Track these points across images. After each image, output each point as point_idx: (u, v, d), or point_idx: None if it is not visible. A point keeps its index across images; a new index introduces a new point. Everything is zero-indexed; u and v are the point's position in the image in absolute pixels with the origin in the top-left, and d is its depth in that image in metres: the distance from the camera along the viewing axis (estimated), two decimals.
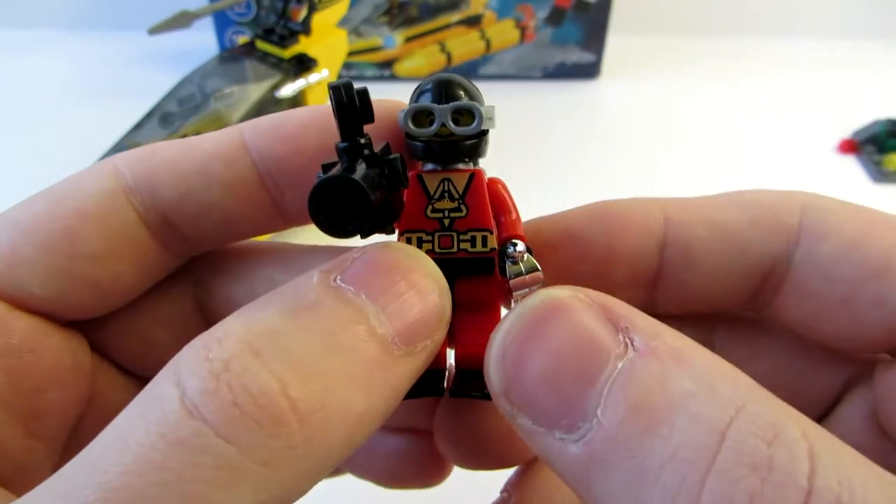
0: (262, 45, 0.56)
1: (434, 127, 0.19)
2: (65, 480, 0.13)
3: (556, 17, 0.74)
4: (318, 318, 0.15)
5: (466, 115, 0.19)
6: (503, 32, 0.75)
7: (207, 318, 0.23)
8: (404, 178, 0.18)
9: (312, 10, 0.53)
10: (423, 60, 0.75)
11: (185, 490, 0.12)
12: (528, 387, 0.15)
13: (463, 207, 0.20)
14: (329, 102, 0.17)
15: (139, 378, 0.23)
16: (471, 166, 0.20)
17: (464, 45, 0.75)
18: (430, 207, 0.20)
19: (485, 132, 0.20)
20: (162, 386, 0.14)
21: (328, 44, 0.56)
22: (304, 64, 0.54)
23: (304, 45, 0.55)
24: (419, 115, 0.19)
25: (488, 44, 0.75)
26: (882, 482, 0.12)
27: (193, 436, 0.13)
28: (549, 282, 0.21)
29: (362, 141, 0.17)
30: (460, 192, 0.20)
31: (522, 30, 0.75)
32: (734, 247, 0.20)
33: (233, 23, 0.71)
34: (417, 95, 0.20)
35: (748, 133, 0.70)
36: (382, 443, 0.25)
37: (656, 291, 0.22)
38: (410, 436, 0.25)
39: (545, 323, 0.15)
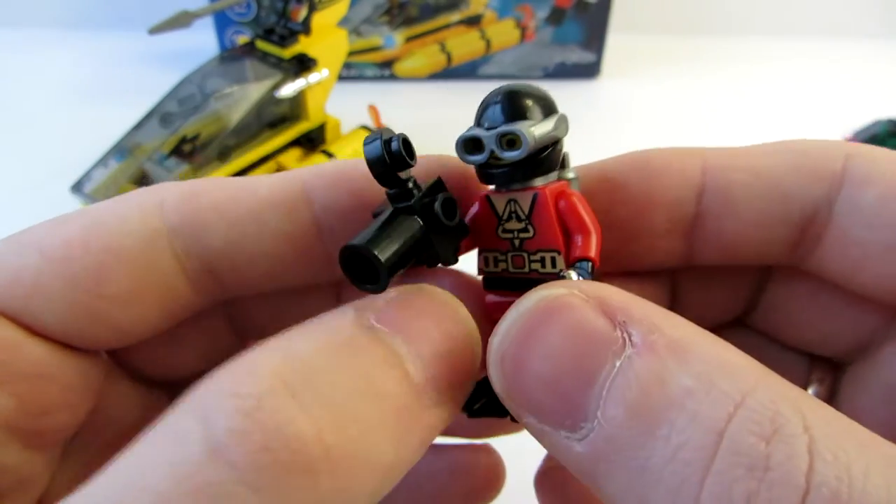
0: (262, 45, 0.56)
1: (484, 155, 0.18)
2: None
3: (556, 16, 0.74)
4: (356, 359, 0.14)
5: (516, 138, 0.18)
6: (503, 32, 0.75)
7: (234, 324, 0.22)
8: (446, 217, 0.18)
9: (312, 10, 0.53)
10: (423, 60, 0.75)
11: None
12: (528, 389, 0.15)
13: (530, 228, 0.19)
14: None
15: (146, 379, 0.22)
16: (550, 179, 0.19)
17: (464, 45, 0.75)
18: (500, 228, 0.20)
19: (551, 146, 0.19)
20: (184, 422, 0.13)
21: (328, 44, 0.56)
22: (304, 64, 0.54)
23: (304, 45, 0.55)
24: (468, 144, 0.19)
25: (488, 44, 0.75)
26: (886, 468, 0.12)
27: (217, 483, 0.12)
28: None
29: (409, 185, 0.18)
30: (526, 212, 0.19)
31: (522, 30, 0.75)
32: (775, 193, 0.20)
33: (233, 23, 0.71)
34: (481, 111, 0.19)
35: (748, 133, 0.70)
36: (440, 462, 0.24)
37: (695, 239, 0.21)
38: (467, 449, 0.24)
39: (541, 324, 0.15)
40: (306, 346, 0.14)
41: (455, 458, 0.24)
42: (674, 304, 0.25)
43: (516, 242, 0.20)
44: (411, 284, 0.17)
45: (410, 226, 0.18)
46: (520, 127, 0.18)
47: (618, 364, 0.14)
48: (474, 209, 0.20)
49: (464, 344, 0.16)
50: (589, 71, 0.78)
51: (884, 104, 0.72)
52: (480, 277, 0.21)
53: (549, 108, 0.19)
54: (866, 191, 0.19)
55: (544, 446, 0.15)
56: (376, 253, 0.16)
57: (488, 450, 0.25)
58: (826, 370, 0.24)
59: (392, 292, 0.16)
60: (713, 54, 0.84)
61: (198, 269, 0.19)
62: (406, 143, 0.18)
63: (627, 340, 0.14)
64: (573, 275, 0.18)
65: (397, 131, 0.18)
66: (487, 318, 0.20)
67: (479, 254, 0.21)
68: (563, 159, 0.20)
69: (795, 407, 0.13)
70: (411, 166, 0.18)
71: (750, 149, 0.20)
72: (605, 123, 0.70)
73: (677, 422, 0.13)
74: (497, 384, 0.16)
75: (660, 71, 0.80)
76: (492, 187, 0.20)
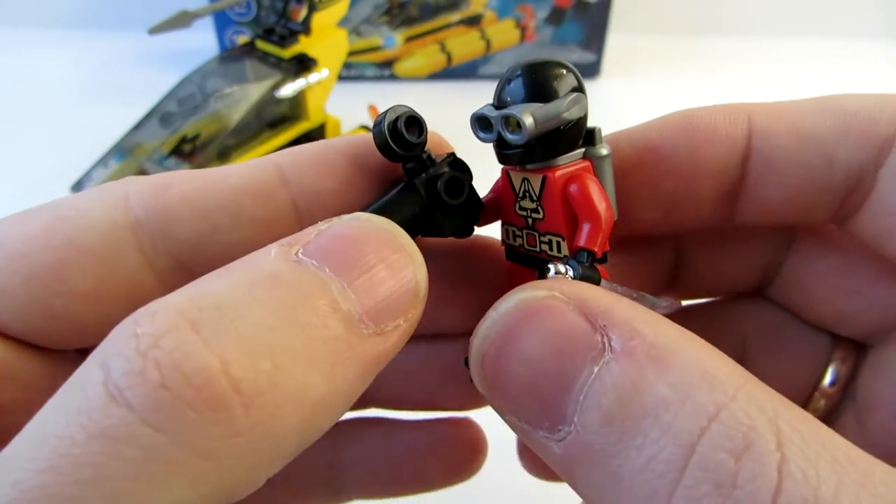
0: (262, 45, 0.56)
1: (492, 135, 0.18)
2: None
3: (556, 16, 0.74)
4: (274, 291, 0.14)
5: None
6: (503, 32, 0.75)
7: None
8: (450, 196, 0.18)
9: (312, 10, 0.53)
10: (423, 60, 0.75)
11: (109, 487, 0.11)
12: (508, 390, 0.15)
13: (540, 210, 0.19)
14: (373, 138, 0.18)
15: None
16: (573, 158, 0.19)
17: (464, 45, 0.75)
18: (517, 205, 0.20)
19: (567, 125, 0.18)
20: (86, 370, 0.12)
21: (328, 44, 0.56)
22: (304, 64, 0.54)
23: (304, 45, 0.55)
24: (481, 121, 0.18)
25: (488, 44, 0.75)
26: (857, 489, 0.12)
27: (117, 425, 0.11)
28: (630, 197, 0.21)
29: (423, 158, 0.18)
30: (537, 193, 0.19)
31: (522, 30, 0.75)
32: (821, 158, 0.19)
33: (233, 23, 0.71)
34: (501, 85, 0.18)
35: None
36: (419, 438, 0.24)
37: (738, 203, 0.21)
38: (445, 424, 0.24)
39: (520, 327, 0.15)
40: (220, 283, 0.14)
41: (435, 433, 0.24)
42: (678, 271, 0.24)
43: (529, 221, 0.19)
44: (346, 214, 0.16)
45: (412, 203, 0.18)
46: (520, 111, 0.17)
47: (596, 370, 0.14)
48: (498, 181, 0.20)
49: (405, 271, 0.16)
50: (589, 71, 0.78)
51: None
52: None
53: (568, 87, 0.18)
54: None
55: (525, 442, 0.15)
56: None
57: (469, 423, 0.24)
58: (849, 350, 0.23)
59: (323, 224, 0.16)
60: (713, 54, 0.84)
61: (167, 264, 0.18)
62: (412, 119, 0.18)
63: (607, 345, 0.14)
64: (562, 268, 0.17)
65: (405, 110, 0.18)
66: (509, 283, 0.21)
67: (502, 225, 0.21)
68: (593, 134, 0.19)
69: (772, 421, 0.13)
70: (415, 145, 0.18)
71: (795, 107, 0.19)
72: (605, 123, 0.70)
73: (651, 432, 0.13)
74: (478, 383, 0.16)
75: (660, 71, 0.80)
76: None
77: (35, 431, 0.12)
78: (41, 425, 0.12)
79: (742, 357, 0.25)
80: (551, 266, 0.17)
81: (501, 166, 0.20)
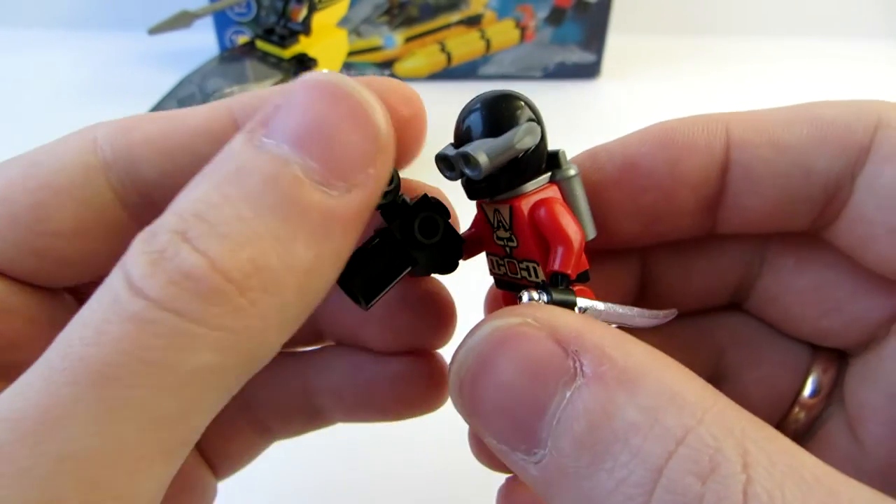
0: (262, 45, 0.56)
1: (455, 173, 0.19)
2: (42, 361, 0.13)
3: (556, 16, 0.74)
4: (241, 185, 0.15)
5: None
6: (503, 32, 0.75)
7: None
8: (426, 236, 0.19)
9: (312, 10, 0.53)
10: (423, 60, 0.75)
11: (145, 356, 0.13)
12: (485, 416, 0.16)
13: (514, 238, 0.19)
14: None
15: None
16: (540, 183, 0.19)
17: (464, 45, 0.75)
18: (494, 235, 0.20)
19: (525, 154, 0.18)
20: (111, 278, 0.14)
21: (328, 44, 0.56)
22: (304, 64, 0.54)
23: (304, 45, 0.55)
24: (444, 161, 0.19)
25: (488, 44, 0.75)
26: None
27: (143, 310, 0.13)
28: (610, 212, 0.21)
29: (398, 201, 0.19)
30: (508, 222, 0.19)
31: (522, 30, 0.75)
32: (798, 167, 0.19)
33: (233, 23, 0.71)
34: (460, 121, 0.19)
35: None
36: (382, 371, 0.24)
37: (718, 213, 0.21)
38: (409, 358, 0.24)
39: (493, 355, 0.15)
40: (200, 189, 0.15)
41: (397, 367, 0.24)
42: (646, 285, 0.24)
43: (507, 249, 0.20)
44: (306, 76, 0.17)
45: (391, 248, 0.19)
46: (474, 148, 0.18)
47: (568, 394, 0.14)
48: (476, 215, 0.21)
49: (361, 120, 0.16)
50: (589, 71, 0.78)
51: None
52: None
53: (523, 118, 0.18)
54: (885, 169, 0.18)
55: (505, 463, 0.16)
56: (353, 288, 0.18)
57: (431, 358, 0.25)
58: (830, 360, 0.23)
59: (278, 96, 0.16)
60: (713, 54, 0.84)
61: (137, 201, 0.19)
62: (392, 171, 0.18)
63: (579, 370, 0.14)
64: (535, 294, 0.17)
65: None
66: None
67: (487, 256, 0.21)
68: (557, 158, 0.19)
69: (738, 443, 0.13)
70: (386, 192, 0.19)
71: (772, 116, 0.20)
72: (605, 123, 0.70)
73: (620, 456, 0.13)
74: (457, 408, 0.17)
75: (660, 71, 0.80)
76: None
77: (77, 321, 0.14)
78: (81, 317, 0.14)
79: (719, 368, 0.25)
80: (524, 294, 0.18)
81: (472, 200, 0.20)
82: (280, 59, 0.55)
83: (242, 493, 0.30)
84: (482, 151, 0.17)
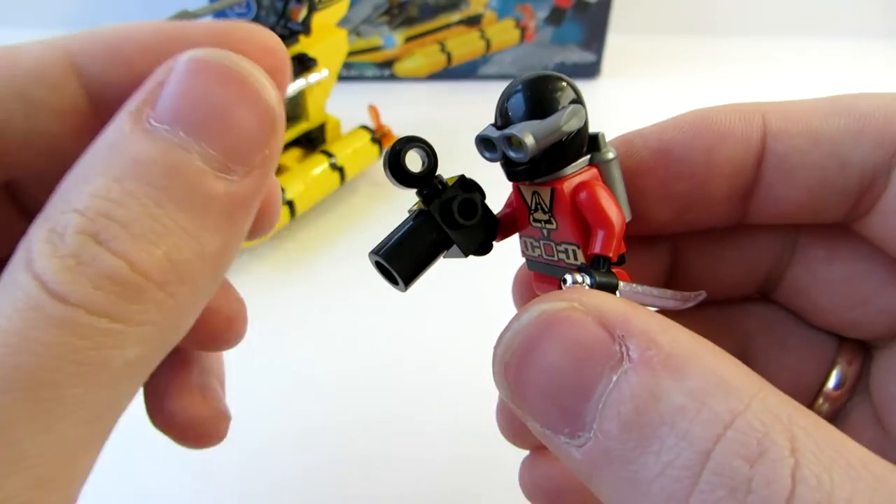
0: None
1: (497, 155, 0.19)
2: None
3: (556, 16, 0.74)
4: (143, 178, 0.15)
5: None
6: (503, 32, 0.75)
7: (22, 207, 0.21)
8: (464, 217, 0.19)
9: (312, 10, 0.53)
10: (423, 60, 0.75)
11: (77, 357, 0.13)
12: (530, 398, 0.16)
13: (553, 220, 0.19)
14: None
15: None
16: (579, 166, 0.19)
17: (464, 45, 0.75)
18: (531, 217, 0.20)
19: (568, 137, 0.18)
20: (16, 277, 0.14)
21: (328, 44, 0.56)
22: (304, 64, 0.54)
23: (304, 45, 0.55)
24: (486, 142, 0.19)
25: (488, 44, 0.75)
26: (871, 494, 0.12)
27: (69, 315, 0.13)
28: (643, 198, 0.21)
29: (435, 182, 0.19)
30: (548, 205, 0.19)
31: (522, 30, 0.75)
32: (834, 160, 0.19)
33: None
34: (502, 102, 0.19)
35: None
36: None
37: (751, 203, 0.21)
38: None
39: (541, 338, 0.15)
40: (98, 181, 0.15)
41: None
42: (675, 273, 0.24)
43: (545, 232, 0.20)
44: (184, 55, 0.16)
45: (429, 230, 0.19)
46: (520, 129, 0.18)
47: (614, 379, 0.14)
48: (511, 195, 0.21)
49: (254, 102, 0.16)
50: (589, 71, 0.78)
51: None
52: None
53: (566, 100, 0.18)
54: None
55: (547, 446, 0.16)
56: (394, 263, 0.19)
57: (226, 293, 0.24)
58: (855, 352, 0.23)
59: (161, 72, 0.16)
60: (713, 54, 0.84)
61: None
62: (418, 147, 0.19)
63: (625, 355, 0.14)
64: (578, 277, 0.17)
65: (402, 132, 0.19)
66: (533, 292, 0.21)
67: (520, 238, 0.21)
68: (597, 140, 0.20)
69: (786, 428, 0.13)
70: (419, 177, 0.19)
71: (809, 107, 0.20)
72: (605, 123, 0.70)
73: (668, 439, 0.13)
74: (501, 391, 0.16)
75: (660, 71, 0.80)
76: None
77: None
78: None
79: (745, 356, 0.25)
80: (568, 276, 0.18)
81: (511, 182, 0.20)
82: None
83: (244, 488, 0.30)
84: (529, 133, 0.17)
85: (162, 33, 0.18)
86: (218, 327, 0.23)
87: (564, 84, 0.18)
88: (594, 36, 0.75)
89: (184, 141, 0.15)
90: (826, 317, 0.23)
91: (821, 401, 0.23)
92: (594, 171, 0.19)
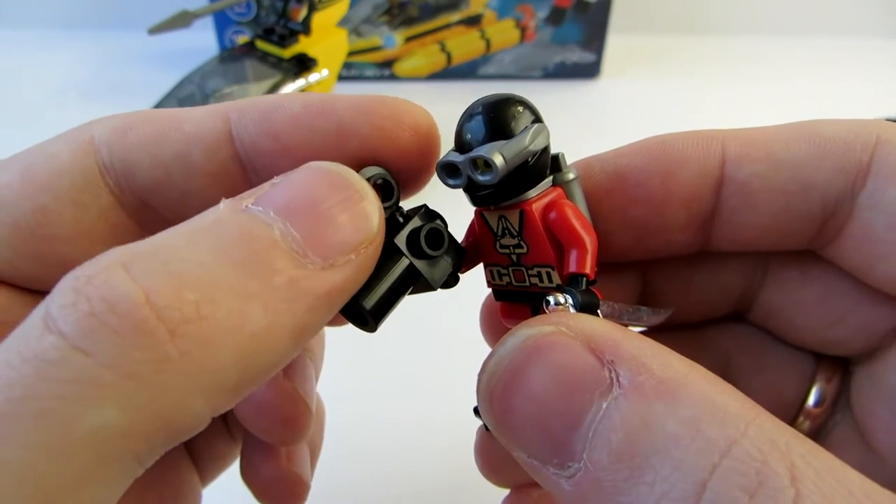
0: (262, 44, 0.56)
1: (462, 180, 0.18)
2: None
3: (556, 16, 0.74)
4: (212, 234, 0.14)
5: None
6: (503, 32, 0.75)
7: None
8: (431, 248, 0.18)
9: (312, 9, 0.53)
10: (423, 60, 0.75)
11: (38, 406, 0.11)
12: (516, 428, 0.15)
13: (523, 244, 0.19)
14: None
15: None
16: (543, 188, 0.19)
17: (464, 45, 0.75)
18: (497, 244, 0.19)
19: (533, 158, 0.18)
20: (35, 309, 0.13)
21: (328, 44, 0.56)
22: (304, 64, 0.54)
23: (304, 45, 0.55)
24: (448, 168, 0.18)
25: (488, 44, 0.75)
26: None
27: (49, 349, 0.12)
28: (602, 223, 0.20)
29: (397, 214, 0.18)
30: (517, 229, 0.19)
31: (522, 30, 0.75)
32: (796, 185, 0.19)
33: (233, 22, 0.71)
34: (460, 127, 0.19)
35: None
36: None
37: (712, 230, 0.21)
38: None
39: (527, 364, 0.15)
40: (164, 234, 0.14)
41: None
42: (646, 298, 0.24)
43: (514, 257, 0.19)
44: (305, 166, 0.16)
45: (397, 265, 0.18)
46: (488, 151, 0.17)
47: (604, 406, 0.14)
48: (473, 224, 0.20)
49: (352, 205, 0.16)
50: (589, 71, 0.78)
51: (884, 104, 0.72)
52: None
53: (527, 120, 0.18)
54: (890, 188, 0.18)
55: (534, 478, 0.15)
56: (362, 303, 0.17)
57: (292, 397, 0.24)
58: (834, 369, 0.23)
59: (277, 178, 0.16)
60: (713, 54, 0.84)
61: (135, 204, 0.19)
62: (382, 182, 0.18)
63: (615, 381, 0.14)
64: (561, 298, 0.17)
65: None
66: (503, 322, 0.21)
67: (485, 267, 0.20)
68: (558, 161, 0.19)
69: (784, 456, 0.12)
70: (387, 208, 0.18)
71: (769, 133, 0.19)
72: (605, 123, 0.70)
73: (661, 469, 0.13)
74: (486, 420, 0.16)
75: (660, 71, 0.80)
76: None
77: None
78: None
79: (724, 377, 0.24)
80: (550, 297, 0.17)
81: (474, 208, 0.20)
82: (280, 59, 0.55)
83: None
84: (497, 153, 0.17)
85: (311, 106, 0.18)
86: (274, 424, 0.22)
87: (522, 106, 0.18)
88: (594, 36, 0.75)
89: (270, 218, 0.14)
90: (803, 335, 0.23)
91: (801, 418, 0.23)
92: (559, 190, 0.19)
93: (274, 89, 0.53)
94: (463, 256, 0.19)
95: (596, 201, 0.20)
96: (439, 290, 0.19)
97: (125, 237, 0.18)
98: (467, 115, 0.18)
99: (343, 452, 0.37)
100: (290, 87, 0.53)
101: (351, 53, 0.71)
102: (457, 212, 0.21)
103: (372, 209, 0.16)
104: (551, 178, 0.19)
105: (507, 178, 0.17)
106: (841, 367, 0.23)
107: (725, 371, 0.24)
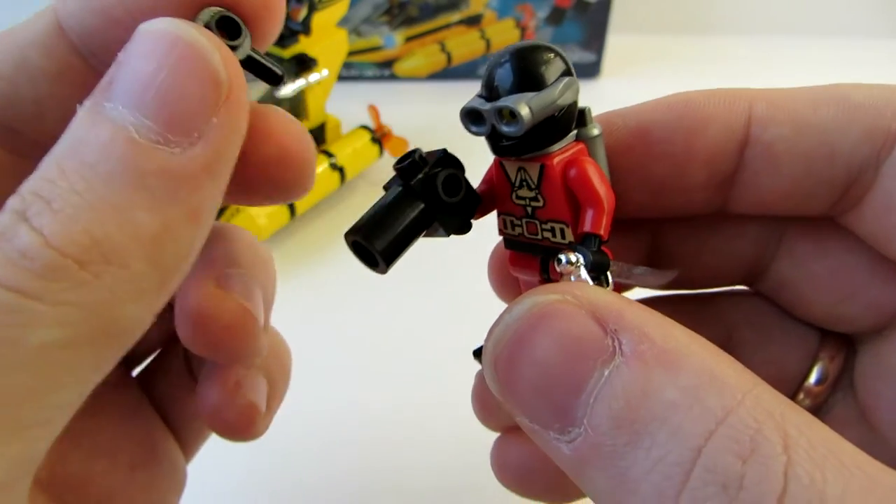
0: None
1: (486, 128, 0.18)
2: None
3: (556, 16, 0.74)
4: (77, 157, 0.14)
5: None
6: (503, 32, 0.75)
7: None
8: (448, 195, 0.18)
9: (312, 9, 0.53)
10: (423, 60, 0.75)
11: None
12: (520, 393, 0.15)
13: (540, 198, 0.19)
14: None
15: None
16: (566, 142, 0.18)
17: (464, 44, 0.75)
18: (514, 194, 0.19)
19: (561, 111, 0.17)
20: None
21: (328, 44, 0.56)
22: (304, 64, 0.54)
23: (304, 45, 0.55)
24: (471, 114, 0.18)
25: (488, 44, 0.75)
26: (863, 493, 0.12)
27: None
28: (619, 179, 0.20)
29: (415, 156, 0.18)
30: (535, 182, 0.18)
31: (522, 30, 0.75)
32: (822, 150, 0.19)
33: None
34: (489, 73, 0.18)
35: None
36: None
37: (732, 191, 0.20)
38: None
39: (532, 331, 0.15)
40: (42, 168, 0.14)
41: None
42: (655, 261, 0.24)
43: (529, 210, 0.19)
44: (147, 23, 0.15)
45: (411, 207, 0.18)
46: (515, 102, 0.17)
47: (606, 373, 0.14)
48: (490, 171, 0.20)
49: (196, 68, 0.15)
50: (589, 71, 0.78)
51: None
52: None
53: (558, 71, 0.18)
54: None
55: (535, 442, 0.16)
56: (373, 244, 0.17)
57: (222, 298, 0.23)
58: (838, 347, 0.23)
59: (122, 54, 0.15)
60: (714, 54, 0.84)
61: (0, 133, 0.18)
62: (227, 20, 0.17)
63: (618, 349, 0.14)
64: (573, 257, 0.17)
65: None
66: (511, 271, 0.21)
67: (498, 215, 0.20)
68: (584, 115, 0.19)
69: (779, 426, 0.13)
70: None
71: (798, 95, 0.19)
72: None
73: (658, 435, 0.13)
74: (491, 385, 0.16)
75: (660, 71, 0.80)
76: None
77: None
78: None
79: (727, 347, 0.24)
80: (562, 256, 0.17)
81: (493, 156, 0.20)
82: (280, 59, 0.55)
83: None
84: (525, 105, 0.16)
85: None
86: (215, 335, 0.21)
87: (554, 55, 0.18)
88: (594, 36, 0.75)
89: (122, 115, 0.14)
90: (811, 310, 0.23)
91: (801, 395, 0.23)
92: (581, 146, 0.19)
93: (274, 89, 0.53)
94: (478, 204, 0.19)
95: (616, 156, 0.20)
96: (452, 235, 0.19)
97: (1, 170, 0.18)
98: (497, 60, 0.18)
99: (337, 440, 0.37)
100: (289, 87, 0.53)
101: (351, 53, 0.71)
102: (477, 158, 0.21)
103: (213, 59, 0.15)
104: (575, 132, 0.19)
105: (532, 130, 0.17)
106: (845, 345, 0.23)
107: (728, 343, 0.24)
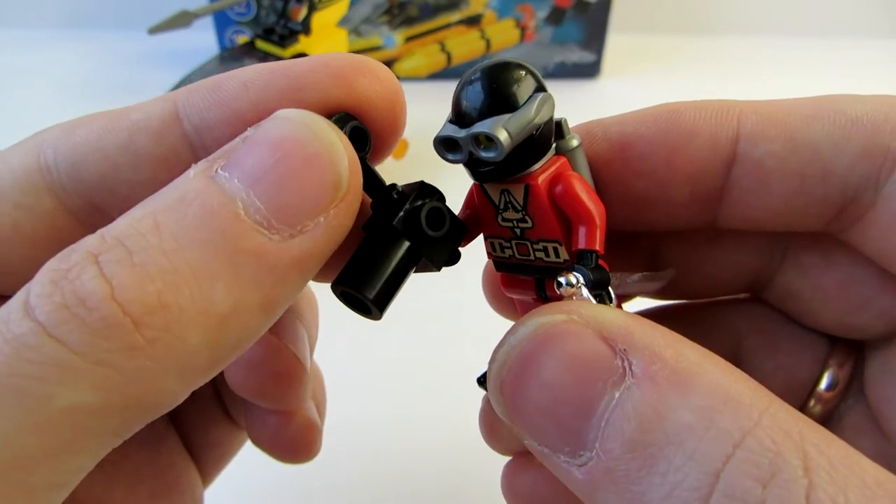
0: (262, 44, 0.56)
1: (463, 155, 0.17)
2: None
3: (556, 16, 0.74)
4: (176, 215, 0.14)
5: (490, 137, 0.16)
6: (503, 32, 0.75)
7: None
8: (433, 229, 0.17)
9: (312, 9, 0.53)
10: (423, 60, 0.75)
11: (18, 384, 0.12)
12: (528, 416, 0.15)
13: (528, 219, 0.18)
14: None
15: None
16: (546, 160, 0.18)
17: (464, 44, 0.75)
18: (499, 217, 0.19)
19: (538, 130, 0.17)
20: (19, 292, 0.13)
21: (328, 44, 0.56)
22: None
23: (304, 45, 0.55)
24: (446, 143, 0.17)
25: (488, 44, 0.75)
26: None
27: (27, 334, 0.12)
28: (603, 192, 0.19)
29: (392, 194, 0.17)
30: (521, 203, 0.18)
31: (522, 29, 0.75)
32: (815, 168, 0.18)
33: (233, 22, 0.71)
34: (457, 96, 0.17)
35: None
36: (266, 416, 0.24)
37: (720, 208, 0.20)
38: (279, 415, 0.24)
39: (539, 353, 0.15)
40: (133, 215, 0.14)
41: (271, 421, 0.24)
42: (655, 269, 0.23)
43: (517, 231, 0.19)
44: (284, 111, 0.15)
45: (397, 248, 0.17)
46: (492, 127, 0.16)
47: (617, 395, 0.14)
48: (471, 195, 0.19)
49: (319, 164, 0.15)
50: (589, 71, 0.78)
51: None
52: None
53: (530, 89, 0.17)
54: None
55: (546, 466, 0.15)
56: (364, 293, 0.16)
57: (275, 349, 0.23)
58: (847, 352, 0.23)
59: (250, 129, 0.15)
60: (713, 54, 0.84)
61: (79, 205, 0.18)
62: (358, 130, 0.17)
63: (628, 370, 0.14)
64: (572, 279, 0.16)
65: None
66: (505, 293, 0.20)
67: (485, 239, 0.20)
68: (561, 128, 0.18)
69: (798, 446, 0.12)
70: (364, 151, 0.17)
71: (790, 108, 0.18)
72: None
73: (674, 459, 0.13)
74: (497, 409, 0.16)
75: (660, 71, 0.80)
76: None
77: None
78: None
79: (736, 356, 0.24)
80: (562, 279, 0.16)
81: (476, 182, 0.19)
82: (280, 59, 0.55)
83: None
84: (503, 129, 0.16)
85: (263, 69, 0.17)
86: (265, 383, 0.21)
87: (525, 72, 0.17)
88: (594, 36, 0.75)
89: (234, 188, 0.14)
90: (819, 319, 0.22)
91: (812, 402, 0.23)
92: (563, 160, 0.18)
93: None
94: (464, 233, 0.18)
95: (594, 170, 0.19)
96: (447, 268, 0.19)
97: (69, 241, 0.17)
98: (465, 82, 0.17)
99: (346, 448, 0.37)
100: None
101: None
102: (451, 183, 0.20)
103: (340, 162, 0.15)
104: (554, 146, 0.18)
105: (512, 152, 0.16)
106: (855, 351, 0.23)
107: (737, 351, 0.24)
